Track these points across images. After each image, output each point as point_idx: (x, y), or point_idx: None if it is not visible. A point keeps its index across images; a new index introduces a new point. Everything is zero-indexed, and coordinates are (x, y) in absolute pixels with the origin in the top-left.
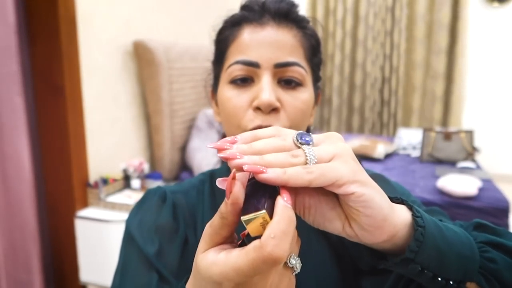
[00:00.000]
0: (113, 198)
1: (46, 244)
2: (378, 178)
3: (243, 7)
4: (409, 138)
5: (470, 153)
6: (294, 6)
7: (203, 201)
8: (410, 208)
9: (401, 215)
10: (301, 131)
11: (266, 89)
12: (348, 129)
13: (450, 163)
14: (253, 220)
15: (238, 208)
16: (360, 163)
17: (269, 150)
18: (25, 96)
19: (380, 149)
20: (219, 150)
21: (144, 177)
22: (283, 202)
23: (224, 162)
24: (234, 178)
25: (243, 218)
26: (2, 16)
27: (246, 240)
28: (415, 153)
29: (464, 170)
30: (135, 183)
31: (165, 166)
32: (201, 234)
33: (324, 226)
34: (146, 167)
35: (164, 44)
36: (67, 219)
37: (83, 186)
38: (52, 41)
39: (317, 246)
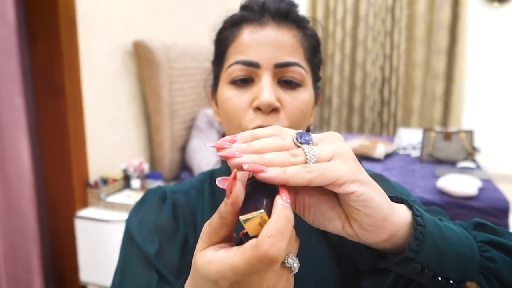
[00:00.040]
0: (113, 198)
1: (46, 244)
2: (378, 178)
3: (243, 7)
4: (409, 138)
5: (470, 153)
6: (294, 6)
7: (203, 201)
8: (410, 207)
9: (401, 214)
10: (301, 131)
11: (266, 89)
12: (348, 129)
13: (450, 163)
14: (251, 220)
15: (237, 208)
16: (360, 163)
17: (269, 149)
18: (25, 96)
19: (380, 149)
20: (219, 149)
21: (144, 177)
22: (281, 202)
23: (224, 162)
24: (235, 178)
25: (241, 217)
26: (2, 16)
27: (244, 239)
28: (415, 153)
29: (464, 170)
30: (135, 183)
31: (165, 166)
32: None
33: (324, 225)
34: (146, 167)
35: (164, 44)
36: (67, 219)
37: (83, 186)
38: (52, 41)
39: (317, 246)
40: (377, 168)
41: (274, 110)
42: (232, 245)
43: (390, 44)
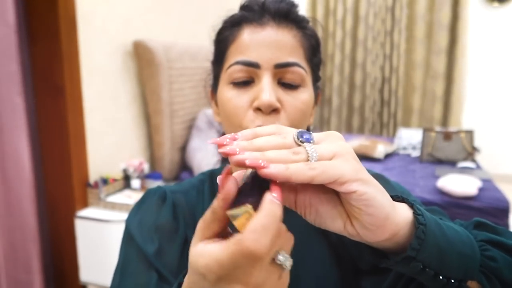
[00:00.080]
0: (113, 198)
1: (46, 244)
2: (378, 178)
3: (243, 7)
4: (409, 138)
5: (470, 153)
6: (294, 6)
7: (203, 201)
8: (411, 206)
9: (403, 213)
10: (302, 130)
11: (266, 89)
12: (348, 129)
13: (450, 163)
14: (240, 215)
15: (228, 203)
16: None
17: (270, 147)
18: (25, 96)
19: (380, 149)
20: (219, 146)
21: (144, 177)
22: (270, 198)
23: (224, 162)
24: (228, 173)
25: (228, 212)
26: (2, 16)
27: (232, 232)
28: (415, 153)
29: (464, 170)
30: (135, 183)
31: (165, 166)
32: None
33: (325, 224)
34: (146, 167)
35: (164, 44)
36: (67, 219)
37: (83, 186)
38: (52, 41)
39: (317, 246)
40: (377, 168)
41: (274, 110)
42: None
43: (390, 44)
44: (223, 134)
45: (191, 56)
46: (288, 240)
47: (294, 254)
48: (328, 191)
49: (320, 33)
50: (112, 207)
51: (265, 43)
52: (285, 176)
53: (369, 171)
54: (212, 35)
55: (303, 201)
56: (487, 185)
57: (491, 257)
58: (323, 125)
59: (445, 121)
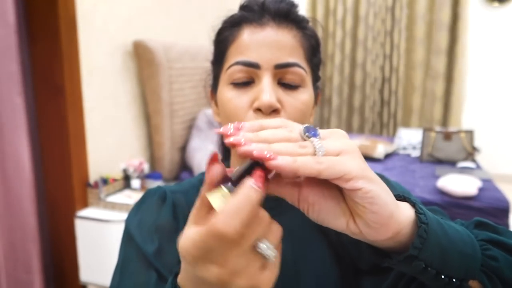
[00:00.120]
0: (113, 198)
1: (46, 244)
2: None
3: (243, 7)
4: (409, 138)
5: (470, 153)
6: (294, 6)
7: None
8: (413, 205)
9: (405, 212)
10: (308, 125)
11: (266, 90)
12: (348, 129)
13: (450, 163)
14: (216, 197)
15: (213, 188)
16: None
17: (276, 140)
18: (25, 96)
19: (380, 149)
20: (225, 136)
21: (144, 177)
22: (248, 183)
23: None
24: (213, 159)
25: (207, 194)
26: (2, 16)
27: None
28: (415, 153)
29: (464, 170)
30: (135, 183)
31: (165, 166)
32: None
33: (328, 222)
34: (146, 167)
35: (164, 44)
36: (67, 219)
37: (83, 186)
38: (52, 41)
39: (317, 245)
40: (377, 168)
41: (274, 111)
42: None
43: (390, 44)
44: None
45: (191, 56)
46: (274, 231)
47: (294, 253)
48: (332, 189)
49: (320, 33)
50: (112, 207)
51: (265, 43)
52: (292, 169)
53: None
54: (212, 35)
55: (306, 198)
56: (487, 185)
57: (492, 257)
58: (323, 125)
59: (445, 121)
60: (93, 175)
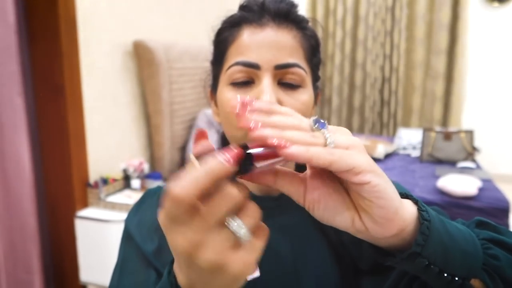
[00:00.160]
0: (113, 198)
1: (46, 244)
2: None
3: (242, 7)
4: (409, 138)
5: (470, 153)
6: (293, 6)
7: None
8: (416, 202)
9: (409, 209)
10: (317, 117)
11: (267, 91)
12: (348, 129)
13: (450, 163)
14: (189, 166)
15: None
16: None
17: (288, 127)
18: (25, 96)
19: (380, 149)
20: (238, 117)
21: (144, 177)
22: (218, 156)
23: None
24: (200, 136)
25: (186, 164)
26: (2, 16)
27: None
28: (415, 153)
29: (464, 170)
30: (135, 183)
31: (165, 166)
32: None
33: (333, 220)
34: (146, 167)
35: (164, 44)
36: (67, 219)
37: (83, 186)
38: (52, 41)
39: (317, 245)
40: None
41: None
42: None
43: (390, 44)
44: (223, 134)
45: (191, 56)
46: (250, 212)
47: (294, 252)
48: (336, 186)
49: (320, 33)
50: (112, 207)
51: (265, 44)
52: (305, 158)
53: None
54: (212, 36)
55: (312, 195)
56: (487, 185)
57: (494, 256)
58: None
59: (445, 121)
60: (93, 175)
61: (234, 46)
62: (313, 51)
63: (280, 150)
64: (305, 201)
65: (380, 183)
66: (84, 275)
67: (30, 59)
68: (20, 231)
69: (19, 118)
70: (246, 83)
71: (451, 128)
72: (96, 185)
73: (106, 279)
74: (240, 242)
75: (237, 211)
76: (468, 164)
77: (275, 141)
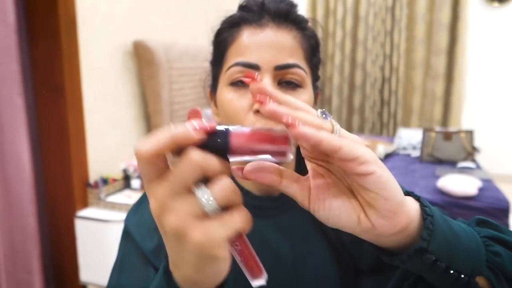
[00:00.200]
0: (113, 198)
1: (46, 244)
2: None
3: (242, 8)
4: (409, 138)
5: (470, 153)
6: (293, 6)
7: None
8: (417, 199)
9: (412, 205)
10: (324, 109)
11: None
12: (348, 129)
13: (450, 163)
14: None
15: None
16: None
17: (300, 108)
18: (25, 96)
19: (380, 149)
20: (253, 95)
21: None
22: (187, 123)
23: None
24: (193, 114)
25: None
26: (2, 16)
27: None
28: (415, 153)
29: (464, 170)
30: (135, 183)
31: None
32: None
33: (339, 220)
34: None
35: (164, 44)
36: (67, 219)
37: (83, 186)
38: (52, 41)
39: (317, 245)
40: None
41: None
42: None
43: (390, 44)
44: None
45: (191, 56)
46: (220, 183)
47: (294, 252)
48: (340, 186)
49: (320, 33)
50: (112, 207)
51: (264, 44)
52: (316, 140)
53: None
54: (211, 36)
55: (316, 196)
56: (487, 185)
57: (496, 253)
58: None
59: (445, 121)
60: (93, 175)
61: (234, 46)
62: (313, 51)
63: (292, 129)
64: (311, 203)
65: (384, 173)
66: (84, 275)
67: (30, 59)
68: (20, 231)
69: (19, 118)
70: (246, 84)
71: (451, 128)
72: (96, 185)
73: (106, 279)
74: (206, 213)
75: (206, 181)
76: (468, 164)
77: (288, 119)
